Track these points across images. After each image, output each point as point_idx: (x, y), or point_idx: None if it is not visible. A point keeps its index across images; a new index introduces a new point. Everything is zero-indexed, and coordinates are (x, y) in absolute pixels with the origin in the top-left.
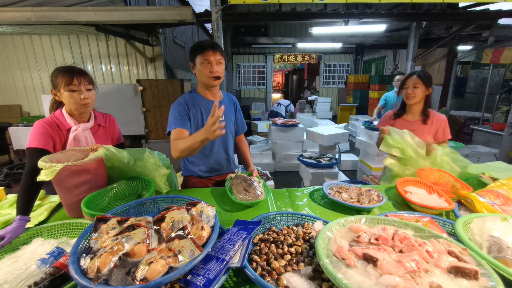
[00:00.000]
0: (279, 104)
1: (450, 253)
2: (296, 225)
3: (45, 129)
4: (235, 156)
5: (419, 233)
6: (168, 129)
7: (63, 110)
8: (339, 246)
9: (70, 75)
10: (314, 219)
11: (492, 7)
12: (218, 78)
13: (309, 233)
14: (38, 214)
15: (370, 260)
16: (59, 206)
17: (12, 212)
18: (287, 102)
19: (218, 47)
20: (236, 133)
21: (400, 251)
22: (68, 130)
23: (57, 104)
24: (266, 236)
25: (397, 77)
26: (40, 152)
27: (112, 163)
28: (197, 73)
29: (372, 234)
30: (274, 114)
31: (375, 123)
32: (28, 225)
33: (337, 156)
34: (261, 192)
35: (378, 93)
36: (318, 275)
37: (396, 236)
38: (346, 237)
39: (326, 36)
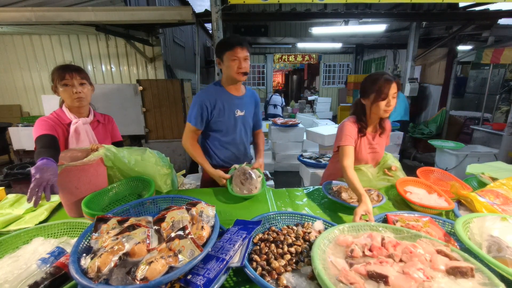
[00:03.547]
0: (275, 106)
1: (439, 252)
2: (296, 225)
3: (48, 122)
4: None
5: (399, 235)
6: (187, 120)
7: (64, 107)
8: (341, 269)
9: (63, 70)
10: (314, 219)
11: (492, 7)
12: (245, 73)
13: (309, 233)
14: (38, 214)
15: (379, 278)
16: (59, 206)
17: (12, 212)
18: (279, 100)
19: (245, 43)
20: (254, 127)
21: (400, 260)
22: (69, 125)
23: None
24: (266, 235)
25: None
26: (48, 137)
27: (112, 163)
28: (225, 69)
29: (363, 245)
30: (272, 116)
31: None
32: (28, 224)
33: None
34: (256, 187)
35: None
36: None
37: (388, 243)
38: (338, 253)
39: (326, 36)
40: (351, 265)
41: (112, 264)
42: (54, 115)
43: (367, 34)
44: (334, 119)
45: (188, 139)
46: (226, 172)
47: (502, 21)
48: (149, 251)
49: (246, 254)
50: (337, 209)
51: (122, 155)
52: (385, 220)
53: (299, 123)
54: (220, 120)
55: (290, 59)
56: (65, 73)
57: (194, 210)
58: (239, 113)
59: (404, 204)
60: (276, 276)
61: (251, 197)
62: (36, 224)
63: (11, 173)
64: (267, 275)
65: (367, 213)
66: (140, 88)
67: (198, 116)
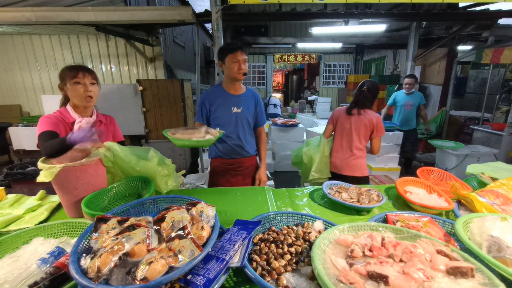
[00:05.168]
0: (275, 105)
1: (439, 252)
2: (296, 225)
3: (52, 119)
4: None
5: (399, 235)
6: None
7: (68, 106)
8: (341, 269)
9: (76, 70)
10: (314, 219)
11: (492, 7)
12: (245, 74)
13: (309, 233)
14: (38, 214)
15: (379, 278)
16: (59, 206)
17: (12, 212)
18: (278, 100)
19: (244, 49)
20: (256, 125)
21: (401, 260)
22: (73, 124)
23: (66, 101)
24: (266, 236)
25: (406, 79)
26: (52, 134)
27: (112, 163)
28: (227, 70)
29: (363, 245)
30: (273, 116)
31: None
32: (28, 224)
33: None
34: (191, 138)
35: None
36: None
37: (388, 243)
38: (338, 253)
39: (326, 36)
40: (351, 265)
41: (112, 264)
42: (58, 114)
43: (367, 34)
44: None
45: None
46: (225, 162)
47: (502, 21)
48: (149, 251)
49: (246, 254)
50: (337, 209)
51: (124, 153)
52: (385, 220)
53: (299, 123)
54: (217, 115)
55: (290, 59)
56: (78, 72)
57: (194, 210)
58: (235, 109)
59: (404, 204)
60: (276, 276)
61: (174, 141)
62: (36, 224)
63: (11, 173)
64: (267, 275)
65: None
66: (140, 88)
67: (199, 112)
